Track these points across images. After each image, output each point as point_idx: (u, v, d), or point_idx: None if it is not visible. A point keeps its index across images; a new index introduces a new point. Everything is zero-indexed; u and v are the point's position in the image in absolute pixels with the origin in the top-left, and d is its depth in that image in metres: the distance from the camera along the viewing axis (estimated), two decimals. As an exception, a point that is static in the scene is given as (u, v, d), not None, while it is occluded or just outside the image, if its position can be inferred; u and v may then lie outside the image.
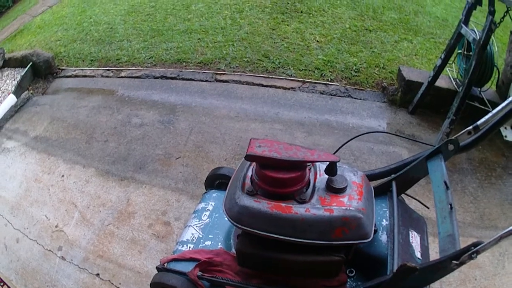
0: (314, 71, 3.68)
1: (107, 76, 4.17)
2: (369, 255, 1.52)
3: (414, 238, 1.52)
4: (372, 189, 1.49)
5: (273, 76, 3.70)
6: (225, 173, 2.09)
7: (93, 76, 4.24)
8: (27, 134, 3.63)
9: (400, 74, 3.23)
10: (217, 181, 2.15)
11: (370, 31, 4.20)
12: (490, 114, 1.40)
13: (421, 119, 3.14)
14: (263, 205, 1.31)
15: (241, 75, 3.77)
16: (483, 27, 2.48)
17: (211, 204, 1.97)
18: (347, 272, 1.51)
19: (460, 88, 2.67)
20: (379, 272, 1.42)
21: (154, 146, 3.14)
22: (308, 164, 1.41)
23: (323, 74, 3.64)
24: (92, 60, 4.48)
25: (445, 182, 1.39)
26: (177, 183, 2.81)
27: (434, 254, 1.52)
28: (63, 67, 4.55)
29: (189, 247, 1.78)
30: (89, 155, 3.19)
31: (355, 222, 1.27)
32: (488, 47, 2.57)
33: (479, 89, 2.87)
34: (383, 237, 1.54)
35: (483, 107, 2.77)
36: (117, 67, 4.27)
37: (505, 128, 2.90)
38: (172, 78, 3.89)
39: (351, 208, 1.29)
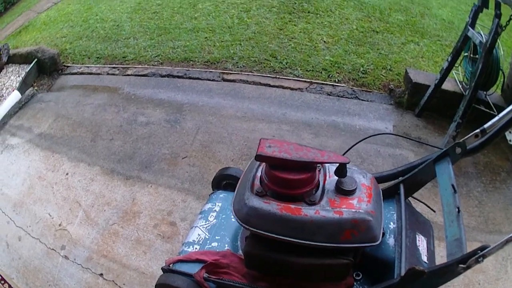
0: (321, 72, 3.69)
1: (113, 74, 4.16)
2: (376, 258, 1.52)
3: (421, 242, 1.52)
4: (381, 191, 1.50)
5: (281, 76, 3.70)
6: (232, 173, 2.09)
7: (99, 74, 4.23)
8: (31, 131, 3.63)
9: (407, 76, 3.23)
10: (224, 181, 2.15)
11: (377, 33, 4.21)
12: (496, 118, 1.40)
13: (428, 121, 3.14)
14: (272, 206, 1.32)
15: (248, 74, 3.77)
16: (489, 30, 2.48)
17: (218, 205, 1.97)
18: (354, 275, 1.51)
19: (467, 91, 2.68)
20: (386, 275, 1.42)
21: (160, 145, 3.14)
22: (317, 165, 1.41)
23: (330, 75, 3.65)
24: (98, 58, 4.47)
25: (452, 186, 1.40)
26: (183, 183, 2.81)
27: (439, 258, 1.53)
28: (69, 64, 4.53)
29: (195, 248, 1.77)
30: (94, 153, 3.19)
31: (365, 225, 1.28)
32: (494, 50, 2.57)
33: (484, 92, 2.87)
34: (391, 240, 1.55)
35: (488, 110, 2.77)
36: (123, 65, 4.26)
37: (510, 132, 2.89)
38: (179, 77, 3.89)
39: (360, 210, 1.30)
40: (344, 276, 1.44)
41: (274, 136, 3.07)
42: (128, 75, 4.10)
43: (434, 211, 1.84)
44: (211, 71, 3.90)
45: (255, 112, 3.36)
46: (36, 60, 4.46)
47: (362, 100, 3.40)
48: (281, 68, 3.79)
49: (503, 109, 1.40)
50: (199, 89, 3.73)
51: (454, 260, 1.17)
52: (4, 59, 4.79)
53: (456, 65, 3.01)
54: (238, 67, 3.88)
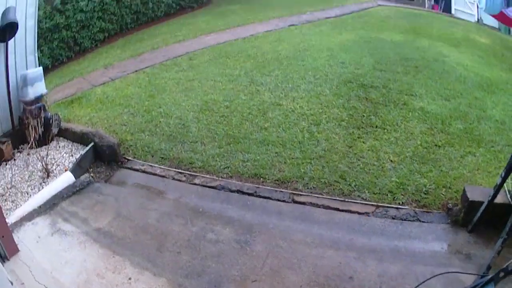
0: (387, 195, 3.74)
1: (179, 180, 4.14)
2: None
3: None
4: None
5: (349, 200, 3.73)
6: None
7: (163, 176, 4.21)
8: (87, 223, 3.59)
9: (465, 195, 3.33)
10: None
11: (439, 147, 4.34)
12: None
13: (478, 235, 3.25)
14: None
15: (318, 197, 3.78)
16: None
17: None
18: None
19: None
20: None
21: (230, 266, 3.10)
22: None
23: (395, 198, 3.69)
24: (162, 158, 4.45)
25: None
26: (252, 307, 2.74)
27: None
28: (129, 158, 4.51)
29: None
30: (160, 264, 3.15)
31: None
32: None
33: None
34: None
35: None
36: (190, 171, 4.24)
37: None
38: (249, 194, 3.88)
39: None
40: None
41: (340, 263, 3.09)
42: (195, 184, 4.08)
43: None
44: (281, 191, 3.90)
45: (323, 238, 3.36)
46: (92, 143, 4.38)
47: (422, 222, 3.50)
48: (350, 191, 3.83)
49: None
50: (269, 209, 3.71)
51: None
52: (55, 130, 4.68)
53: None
54: (308, 188, 3.89)
